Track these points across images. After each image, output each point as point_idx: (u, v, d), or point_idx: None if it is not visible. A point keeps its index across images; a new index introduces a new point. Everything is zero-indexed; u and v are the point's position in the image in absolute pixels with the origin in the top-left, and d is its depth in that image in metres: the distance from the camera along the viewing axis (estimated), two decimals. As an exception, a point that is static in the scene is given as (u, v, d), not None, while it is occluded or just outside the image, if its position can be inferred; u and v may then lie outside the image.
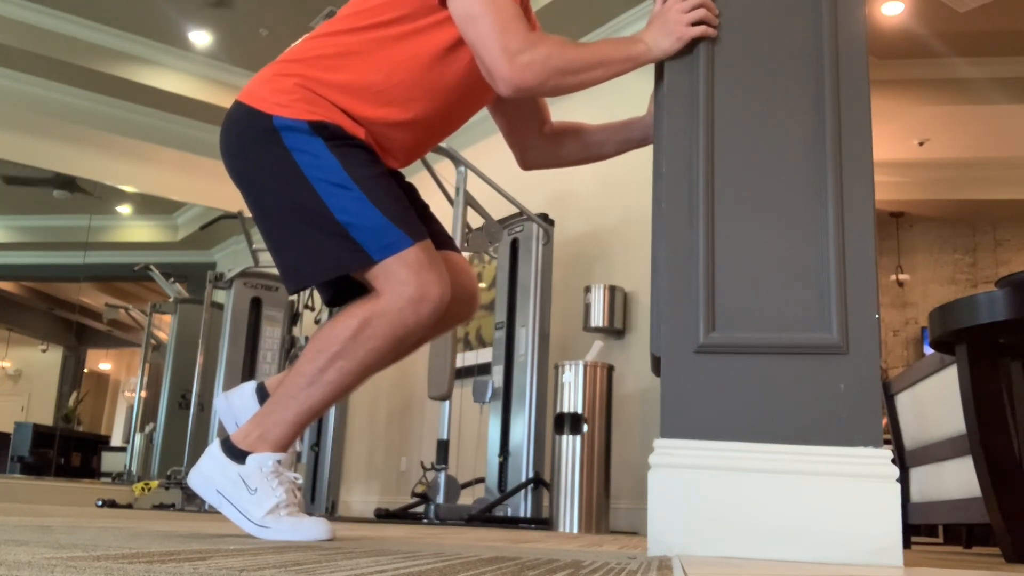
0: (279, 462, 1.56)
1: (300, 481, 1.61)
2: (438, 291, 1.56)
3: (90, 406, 8.95)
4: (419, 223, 1.63)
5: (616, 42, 1.70)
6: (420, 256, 1.57)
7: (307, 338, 6.18)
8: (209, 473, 1.58)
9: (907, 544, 3.43)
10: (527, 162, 2.00)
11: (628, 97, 4.44)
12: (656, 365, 1.64)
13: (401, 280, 1.54)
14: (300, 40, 1.73)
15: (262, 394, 1.61)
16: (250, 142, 1.63)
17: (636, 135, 1.94)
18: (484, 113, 1.98)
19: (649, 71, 1.79)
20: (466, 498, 5.08)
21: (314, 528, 1.53)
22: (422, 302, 1.55)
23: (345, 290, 1.70)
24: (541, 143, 1.97)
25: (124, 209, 8.86)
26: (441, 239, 1.79)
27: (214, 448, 1.59)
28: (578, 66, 1.63)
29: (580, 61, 1.63)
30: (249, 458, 1.55)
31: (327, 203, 1.56)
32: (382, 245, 1.55)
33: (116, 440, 8.76)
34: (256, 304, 6.40)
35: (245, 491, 1.54)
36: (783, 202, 1.60)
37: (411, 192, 1.82)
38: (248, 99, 1.65)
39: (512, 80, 1.59)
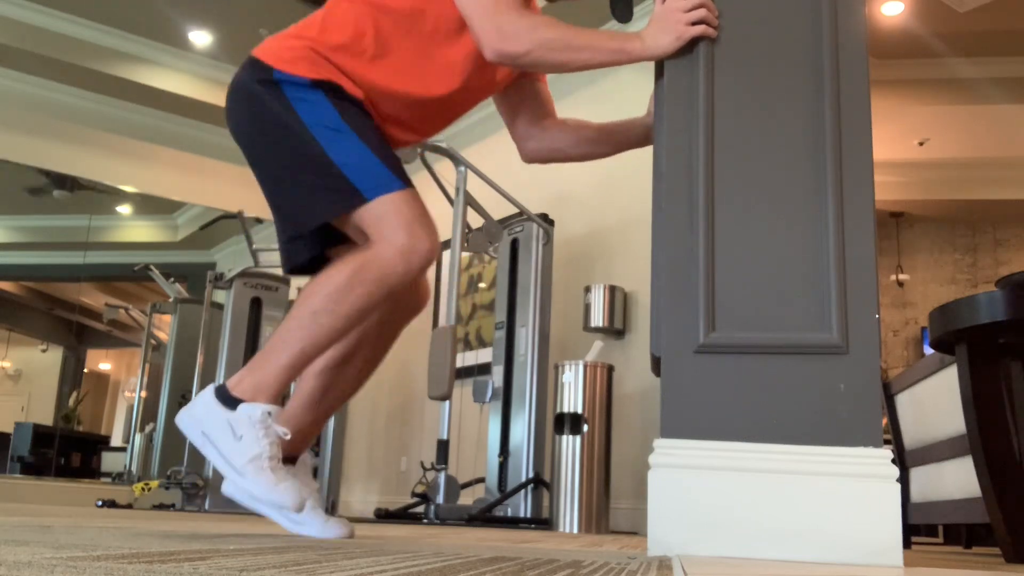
0: (269, 414, 1.57)
1: (288, 437, 1.61)
2: (428, 243, 1.62)
3: (90, 406, 8.94)
4: (406, 174, 1.69)
5: (612, 33, 1.72)
6: (412, 206, 1.63)
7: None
8: (198, 415, 1.60)
9: (907, 544, 3.43)
10: (527, 153, 2.04)
11: (629, 97, 4.45)
12: (656, 365, 1.64)
13: (393, 229, 1.60)
14: (316, 11, 1.79)
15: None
16: (252, 91, 1.70)
17: (636, 135, 1.96)
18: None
19: (650, 71, 1.79)
20: (466, 498, 5.07)
21: (287, 493, 1.53)
22: (413, 252, 1.60)
23: (311, 262, 1.76)
24: (542, 135, 2.00)
25: (124, 209, 8.85)
26: None
27: (207, 393, 1.61)
28: (563, 44, 1.65)
29: (566, 40, 1.66)
30: (240, 406, 1.57)
31: (323, 145, 1.63)
32: (374, 184, 1.61)
33: (116, 440, 8.76)
34: (256, 304, 6.40)
35: (231, 436, 1.55)
36: (783, 202, 1.60)
37: None
38: (258, 53, 1.73)
39: (496, 46, 1.64)
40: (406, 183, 1.65)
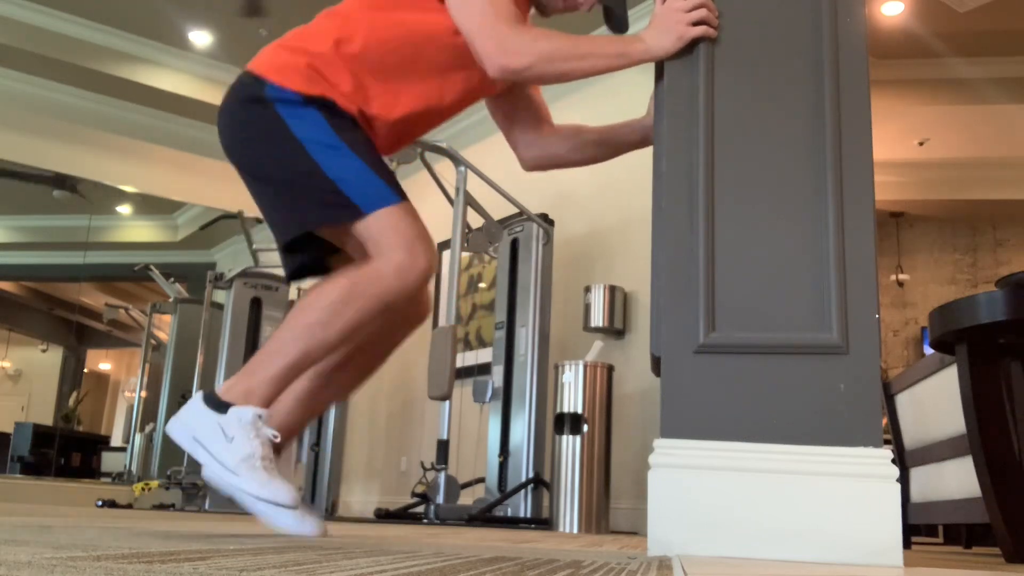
0: (260, 416, 1.58)
1: (278, 439, 1.61)
2: (425, 260, 1.63)
3: (90, 406, 8.94)
4: (401, 188, 1.69)
5: (613, 38, 1.72)
6: (410, 222, 1.63)
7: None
8: (188, 421, 1.60)
9: (907, 544, 3.43)
10: (527, 162, 2.03)
11: (628, 97, 4.44)
12: (656, 365, 1.64)
13: (392, 246, 1.60)
14: (313, 20, 1.78)
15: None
16: (245, 105, 1.69)
17: (636, 136, 1.95)
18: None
19: (650, 72, 1.79)
20: (466, 498, 5.07)
21: (280, 489, 1.54)
22: (411, 269, 1.61)
23: (311, 265, 1.76)
24: (540, 142, 1.99)
25: (124, 209, 8.85)
26: None
27: (196, 399, 1.62)
28: (567, 54, 1.65)
29: (569, 50, 1.66)
30: (231, 409, 1.57)
31: (318, 161, 1.62)
32: (372, 199, 1.61)
33: (116, 440, 8.76)
34: (256, 304, 6.40)
35: (222, 438, 1.56)
36: (783, 202, 1.60)
37: None
38: (252, 65, 1.72)
39: (500, 61, 1.64)
40: (402, 197, 1.65)
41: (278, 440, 1.61)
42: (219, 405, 1.59)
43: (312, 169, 1.61)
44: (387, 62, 1.69)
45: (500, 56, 1.63)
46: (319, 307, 1.60)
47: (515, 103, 1.96)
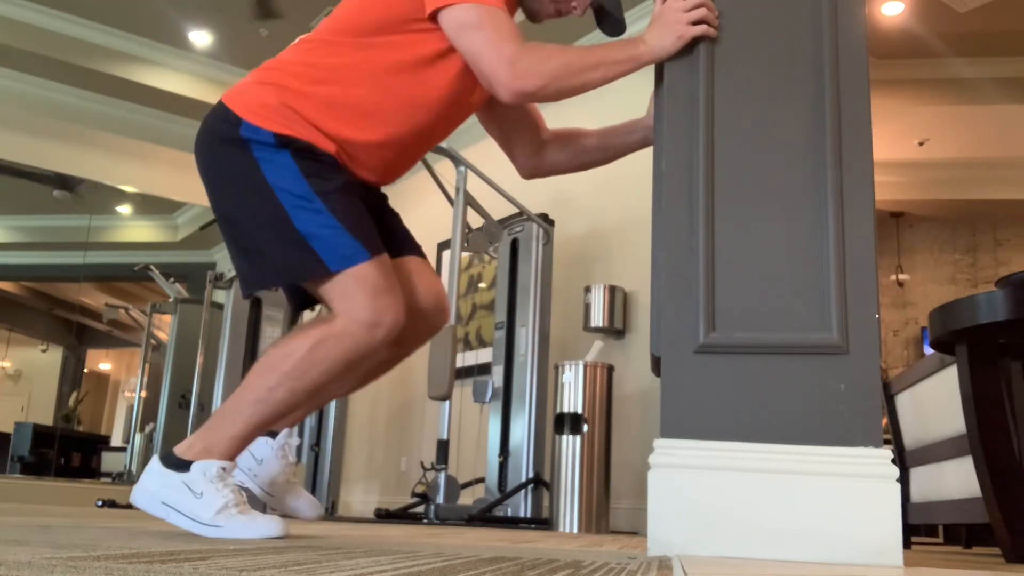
0: (224, 469, 1.54)
1: (245, 489, 1.61)
2: (392, 316, 1.57)
3: (90, 406, 8.93)
4: (378, 238, 1.63)
5: (617, 44, 1.70)
6: (377, 277, 1.57)
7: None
8: (152, 487, 1.56)
9: (907, 544, 3.43)
10: (525, 170, 1.99)
11: (629, 98, 4.44)
12: (656, 365, 1.64)
13: (357, 303, 1.55)
14: (290, 46, 1.73)
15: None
16: (220, 144, 1.64)
17: (636, 137, 1.94)
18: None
19: (650, 72, 1.79)
20: (466, 498, 5.07)
21: (267, 525, 1.51)
22: (377, 327, 1.55)
23: (308, 298, 1.71)
24: (537, 150, 1.95)
25: (124, 209, 8.85)
26: (408, 245, 1.81)
27: (154, 464, 1.57)
28: (577, 68, 1.62)
29: (579, 63, 1.63)
30: (194, 465, 1.54)
31: (289, 213, 1.57)
32: (340, 257, 1.55)
33: (116, 440, 8.75)
34: (256, 304, 6.40)
35: (191, 496, 1.52)
36: (783, 202, 1.60)
37: (380, 201, 1.82)
38: (228, 100, 1.66)
39: (513, 86, 1.59)
40: (373, 252, 1.58)
41: (244, 489, 1.60)
42: (180, 464, 1.55)
43: (282, 218, 1.56)
44: (368, 94, 1.64)
45: (512, 80, 1.58)
46: (281, 372, 1.56)
47: (508, 116, 1.93)
